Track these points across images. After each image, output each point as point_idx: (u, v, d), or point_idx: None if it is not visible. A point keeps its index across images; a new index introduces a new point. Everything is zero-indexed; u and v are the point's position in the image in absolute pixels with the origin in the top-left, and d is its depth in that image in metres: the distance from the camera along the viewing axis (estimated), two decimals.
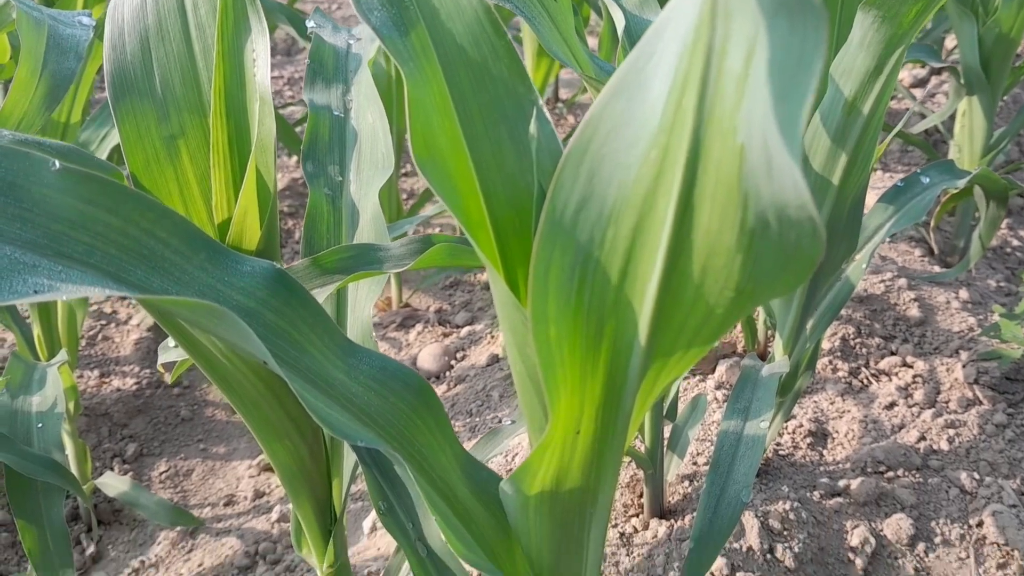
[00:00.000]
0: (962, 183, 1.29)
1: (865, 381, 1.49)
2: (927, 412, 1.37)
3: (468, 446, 1.08)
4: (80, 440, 1.48)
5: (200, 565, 1.39)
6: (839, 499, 1.21)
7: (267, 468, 1.62)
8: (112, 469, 1.62)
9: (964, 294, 1.68)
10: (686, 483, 1.26)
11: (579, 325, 0.45)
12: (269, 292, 0.57)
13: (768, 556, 1.10)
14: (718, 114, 0.35)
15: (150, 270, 0.50)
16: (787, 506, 1.16)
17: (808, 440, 1.35)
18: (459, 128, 0.60)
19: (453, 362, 1.84)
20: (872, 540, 1.14)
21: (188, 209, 0.73)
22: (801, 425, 1.37)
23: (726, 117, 0.35)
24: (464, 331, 1.93)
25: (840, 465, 1.29)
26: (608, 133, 0.39)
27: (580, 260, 0.43)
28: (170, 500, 1.54)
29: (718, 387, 1.46)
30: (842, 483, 1.23)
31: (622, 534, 1.17)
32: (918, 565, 1.12)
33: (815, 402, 1.44)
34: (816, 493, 1.22)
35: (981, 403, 1.39)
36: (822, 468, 1.29)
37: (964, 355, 1.49)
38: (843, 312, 1.61)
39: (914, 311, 1.63)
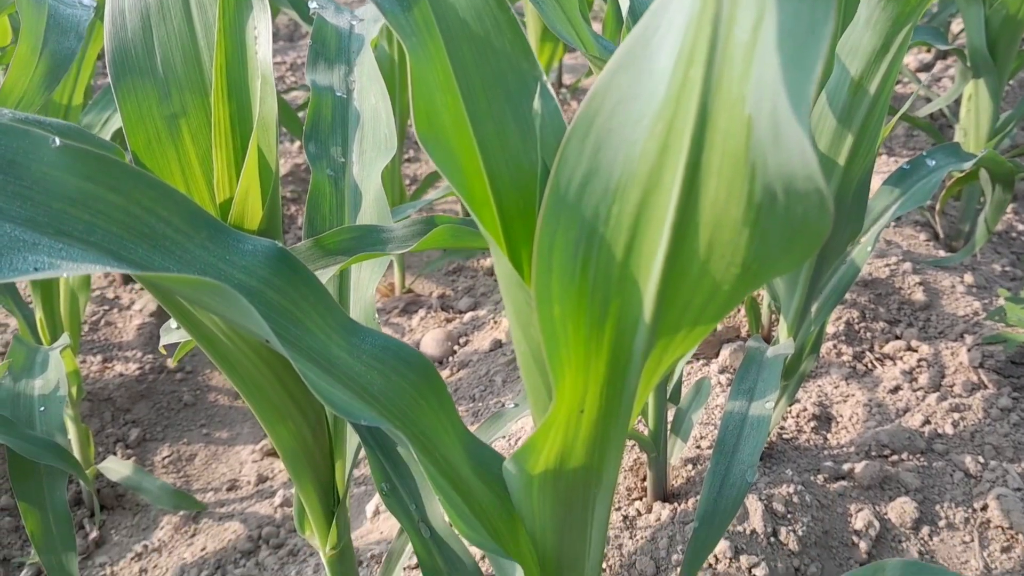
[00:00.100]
0: (968, 166, 1.28)
1: (869, 365, 1.48)
2: (932, 396, 1.37)
3: (471, 430, 1.08)
4: (83, 425, 1.48)
5: (203, 549, 1.39)
6: (843, 482, 1.21)
7: (270, 453, 1.62)
8: (115, 454, 1.62)
9: (969, 278, 1.67)
10: (689, 466, 1.26)
11: (583, 303, 0.44)
12: (271, 271, 0.56)
13: (772, 539, 1.10)
14: (726, 84, 0.34)
15: (151, 248, 0.49)
16: (791, 489, 1.15)
17: (812, 424, 1.34)
18: (462, 105, 0.60)
19: (456, 347, 1.84)
20: (876, 523, 1.14)
21: (190, 188, 0.72)
22: (805, 409, 1.36)
23: (734, 87, 0.34)
24: (467, 316, 1.92)
25: (844, 449, 1.29)
26: (613, 107, 0.39)
27: (584, 236, 0.42)
28: (173, 485, 1.54)
29: (722, 371, 1.46)
30: (846, 467, 1.23)
31: (625, 517, 1.17)
32: (922, 548, 1.12)
33: (819, 386, 1.43)
34: (820, 476, 1.22)
35: (986, 387, 1.39)
36: (826, 452, 1.29)
37: (969, 339, 1.49)
38: (848, 296, 1.60)
39: (919, 295, 1.62)
